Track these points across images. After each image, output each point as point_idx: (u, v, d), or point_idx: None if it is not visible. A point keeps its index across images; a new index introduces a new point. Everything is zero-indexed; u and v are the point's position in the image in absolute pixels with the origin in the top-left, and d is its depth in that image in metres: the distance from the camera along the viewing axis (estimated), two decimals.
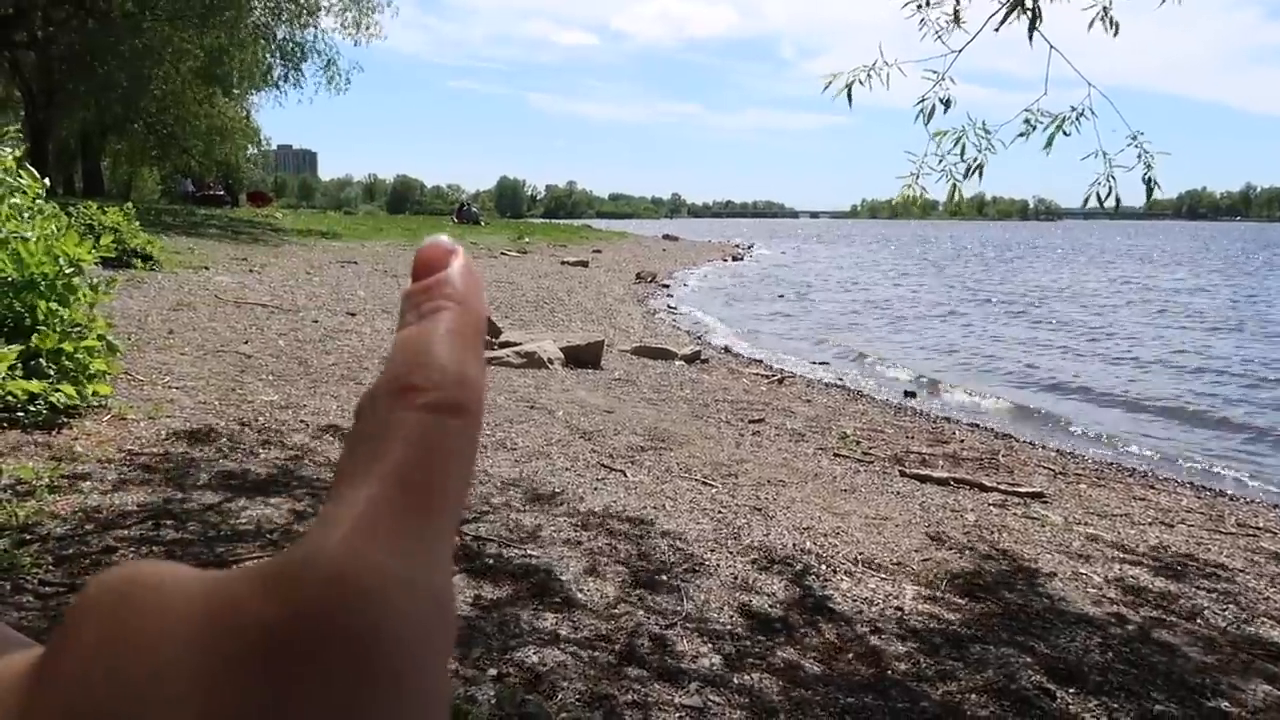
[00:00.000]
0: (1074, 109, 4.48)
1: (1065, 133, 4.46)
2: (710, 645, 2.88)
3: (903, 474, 5.82)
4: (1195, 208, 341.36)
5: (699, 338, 13.31)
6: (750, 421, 7.07)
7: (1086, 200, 4.67)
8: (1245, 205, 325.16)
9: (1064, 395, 10.74)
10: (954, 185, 4.81)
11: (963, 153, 4.69)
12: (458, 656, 2.61)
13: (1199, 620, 3.56)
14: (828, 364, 12.23)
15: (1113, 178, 4.50)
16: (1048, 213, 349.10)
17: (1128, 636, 3.30)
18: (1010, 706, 2.70)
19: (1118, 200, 4.54)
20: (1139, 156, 4.44)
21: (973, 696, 2.74)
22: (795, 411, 7.79)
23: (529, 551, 3.47)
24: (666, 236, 53.39)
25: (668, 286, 22.30)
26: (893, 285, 27.41)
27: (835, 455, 6.21)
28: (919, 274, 33.29)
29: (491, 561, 3.33)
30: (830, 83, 4.54)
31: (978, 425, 8.61)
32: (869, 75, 4.47)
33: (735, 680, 2.68)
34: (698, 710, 2.49)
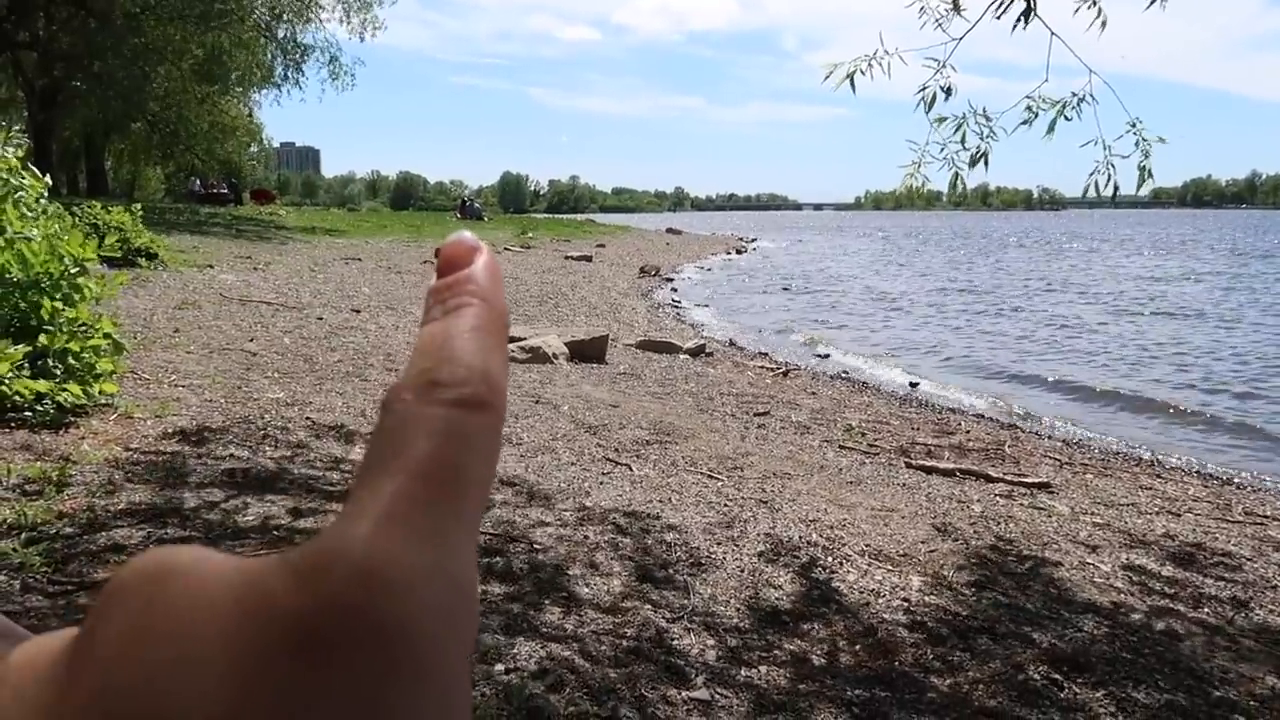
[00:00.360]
0: (1075, 94, 4.47)
1: (1066, 118, 4.44)
2: (717, 639, 2.89)
3: (908, 465, 5.82)
4: (1200, 195, 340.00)
5: (703, 331, 13.30)
6: (755, 414, 7.07)
7: (1086, 190, 4.65)
8: (1250, 193, 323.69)
9: (1067, 388, 10.71)
10: (956, 174, 4.79)
11: (963, 140, 4.67)
12: None
13: (1207, 609, 3.55)
14: (828, 356, 12.22)
15: (1112, 165, 4.48)
16: (1052, 202, 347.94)
17: (1135, 626, 3.30)
18: (1018, 697, 2.70)
19: (1116, 188, 4.52)
20: (1137, 144, 4.42)
21: (980, 687, 2.74)
22: (800, 404, 7.78)
23: (534, 546, 3.48)
24: (670, 230, 53.32)
25: (671, 280, 22.29)
26: (892, 278, 27.34)
27: (841, 447, 6.21)
28: (918, 266, 33.20)
29: (497, 557, 3.34)
30: (831, 73, 4.53)
31: (983, 416, 8.60)
32: (870, 64, 4.45)
33: (742, 674, 2.68)
34: (705, 704, 2.50)
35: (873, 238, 63.86)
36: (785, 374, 9.75)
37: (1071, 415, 9.11)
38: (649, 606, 3.06)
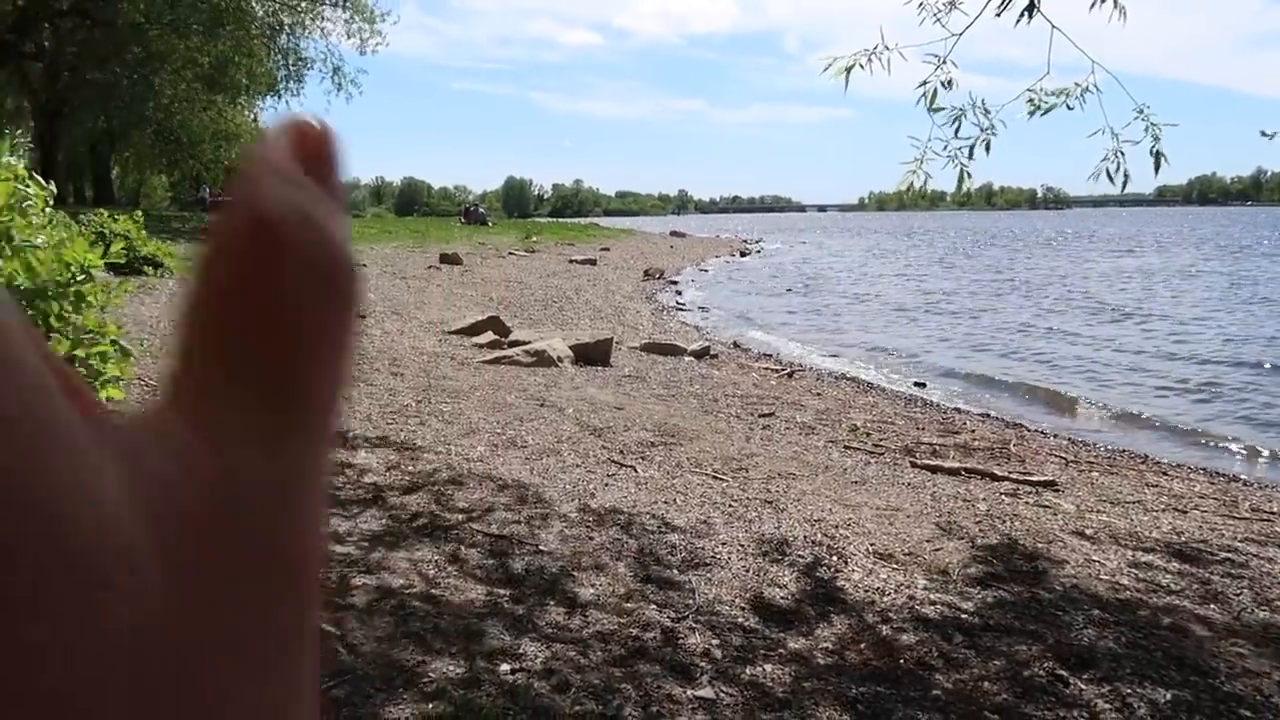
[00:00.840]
0: (1077, 84, 4.46)
1: (1069, 106, 4.43)
2: (721, 638, 2.89)
3: (914, 465, 5.81)
4: (1205, 193, 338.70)
5: (707, 333, 13.30)
6: (760, 415, 7.07)
7: (1095, 175, 4.62)
8: (1256, 190, 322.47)
9: (1072, 385, 10.68)
10: (961, 171, 4.79)
11: (957, 131, 4.68)
12: (468, 653, 2.63)
13: (1213, 605, 3.55)
14: (837, 355, 12.22)
15: (1121, 153, 4.47)
16: (1056, 201, 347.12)
17: (1141, 622, 3.29)
18: (1023, 694, 2.70)
19: (1126, 176, 4.50)
20: (1146, 129, 4.41)
21: (985, 684, 2.74)
22: (805, 405, 7.78)
23: (540, 547, 3.49)
24: (674, 233, 53.41)
25: (676, 283, 22.30)
26: (893, 280, 27.33)
27: (846, 447, 6.21)
28: (920, 266, 33.17)
29: (503, 558, 3.35)
30: (830, 64, 4.53)
31: (988, 415, 8.58)
32: (870, 59, 4.45)
33: (747, 672, 2.69)
34: (710, 702, 2.50)
35: (875, 238, 63.83)
36: (790, 375, 9.75)
37: (1079, 411, 9.10)
38: (654, 607, 3.06)
